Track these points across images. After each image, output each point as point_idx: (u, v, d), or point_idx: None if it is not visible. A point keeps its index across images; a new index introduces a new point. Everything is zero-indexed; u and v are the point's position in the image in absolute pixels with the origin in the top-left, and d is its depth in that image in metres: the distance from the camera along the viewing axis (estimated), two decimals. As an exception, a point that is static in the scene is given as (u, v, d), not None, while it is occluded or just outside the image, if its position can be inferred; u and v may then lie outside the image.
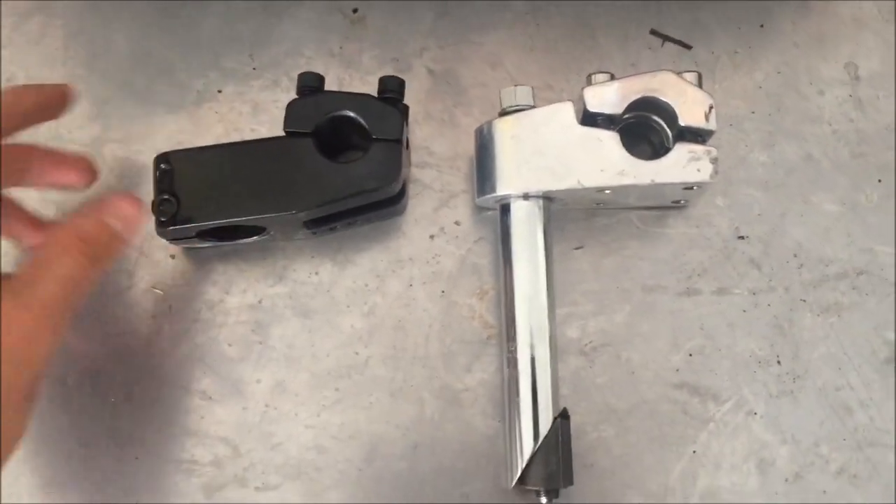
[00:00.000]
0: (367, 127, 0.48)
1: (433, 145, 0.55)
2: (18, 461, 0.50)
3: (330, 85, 0.53)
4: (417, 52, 0.56)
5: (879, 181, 0.54)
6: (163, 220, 0.47)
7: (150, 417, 0.51)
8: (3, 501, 0.50)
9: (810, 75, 0.56)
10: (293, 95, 0.50)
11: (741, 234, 0.53)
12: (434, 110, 0.55)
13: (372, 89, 0.51)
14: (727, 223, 0.54)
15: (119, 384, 0.51)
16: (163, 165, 0.48)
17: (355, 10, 0.57)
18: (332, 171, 0.47)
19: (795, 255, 0.53)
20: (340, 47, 0.56)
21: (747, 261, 0.53)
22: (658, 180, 0.47)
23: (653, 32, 0.56)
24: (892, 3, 0.57)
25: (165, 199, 0.47)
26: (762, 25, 0.57)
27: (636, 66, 0.56)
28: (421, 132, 0.55)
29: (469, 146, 0.53)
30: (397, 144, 0.48)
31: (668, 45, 0.56)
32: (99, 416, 0.51)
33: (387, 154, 0.47)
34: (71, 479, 0.50)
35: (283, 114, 0.49)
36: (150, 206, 0.47)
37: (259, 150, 0.48)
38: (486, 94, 0.55)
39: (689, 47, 0.56)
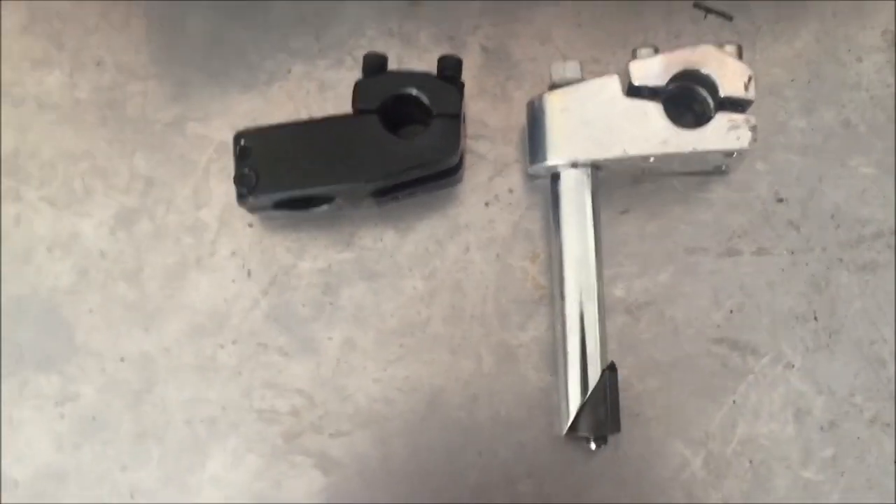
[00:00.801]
0: (427, 104, 0.52)
1: (487, 118, 0.58)
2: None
3: (390, 62, 0.57)
4: (471, 30, 0.59)
5: (915, 144, 0.56)
6: (243, 191, 0.52)
7: (235, 372, 0.56)
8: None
9: (848, 43, 0.58)
10: (357, 74, 0.54)
11: (780, 198, 0.56)
12: (488, 85, 0.59)
13: (429, 66, 0.55)
14: (767, 187, 0.56)
15: (207, 342, 0.56)
16: (242, 142, 0.53)
17: (413, -8, 0.60)
18: (396, 145, 0.51)
19: (832, 217, 0.56)
20: (399, 27, 0.60)
21: (786, 222, 0.56)
22: (699, 148, 0.50)
23: (696, 5, 0.59)
24: (931, -30, 0.59)
25: (245, 173, 0.52)
26: (802, -4, 0.59)
27: (679, 39, 0.58)
28: (475, 106, 0.58)
29: (521, 118, 0.56)
30: (456, 119, 0.51)
31: (711, 17, 0.59)
32: (188, 371, 0.56)
33: (446, 128, 0.51)
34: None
35: (347, 91, 0.53)
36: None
37: (329, 127, 0.53)
38: (536, 69, 0.59)
39: (730, 18, 0.59)
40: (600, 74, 0.56)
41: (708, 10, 0.59)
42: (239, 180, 0.52)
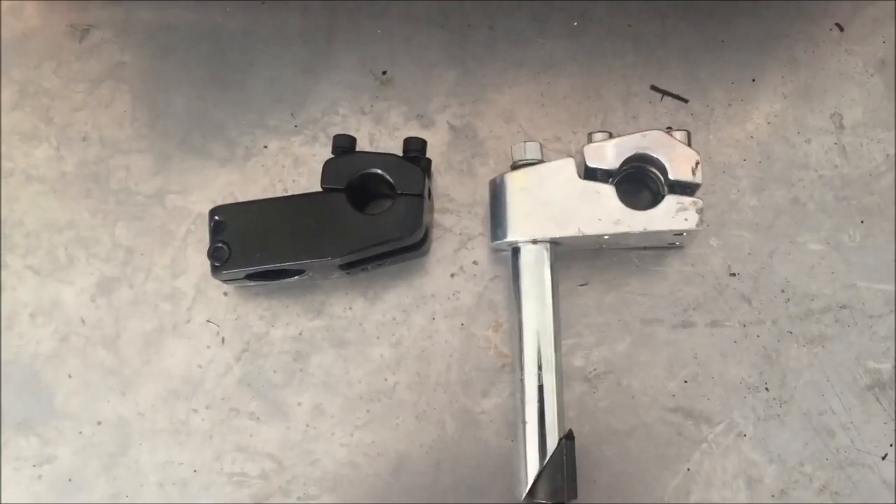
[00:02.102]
0: (392, 183, 0.54)
1: (454, 193, 0.61)
2: (94, 473, 0.57)
3: (361, 139, 0.60)
4: (440, 109, 0.62)
5: (862, 222, 0.59)
6: (217, 264, 0.55)
7: (207, 436, 0.58)
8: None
9: (798, 125, 0.61)
10: (330, 150, 0.57)
11: (733, 272, 0.59)
12: (454, 161, 0.61)
13: (399, 143, 0.58)
14: (720, 261, 0.59)
15: (181, 406, 0.58)
16: (216, 217, 0.55)
17: (384, 72, 0.63)
18: (362, 222, 0.54)
19: (783, 291, 0.58)
20: (371, 105, 0.63)
21: (738, 296, 0.58)
22: (650, 228, 0.53)
23: (653, 88, 0.62)
24: (875, 56, 0.62)
25: (218, 247, 0.55)
26: (754, 80, 0.62)
27: (637, 120, 0.61)
28: (443, 181, 0.61)
29: (486, 193, 0.59)
30: (419, 198, 0.54)
31: (667, 98, 0.62)
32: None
33: (410, 207, 0.54)
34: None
35: (320, 166, 0.56)
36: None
37: (299, 204, 0.55)
38: (500, 147, 0.61)
39: (685, 101, 0.62)
40: (561, 153, 0.60)
41: (664, 93, 0.62)
42: (212, 254, 0.54)
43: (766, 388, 0.57)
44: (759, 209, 0.60)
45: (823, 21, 0.63)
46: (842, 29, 0.63)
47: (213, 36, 0.64)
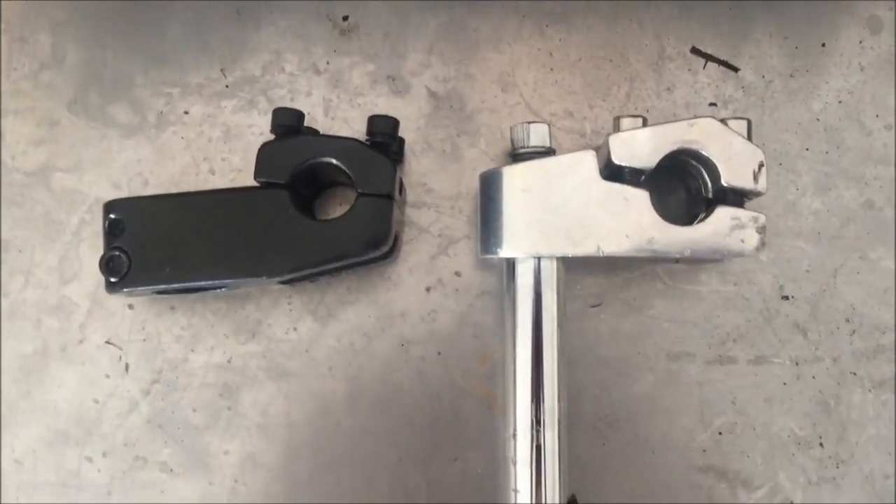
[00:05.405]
0: (352, 178, 0.40)
1: (432, 181, 0.47)
2: None
3: (313, 107, 0.47)
4: (417, 70, 0.48)
5: (951, 235, 0.47)
6: (112, 279, 0.41)
7: (104, 492, 0.45)
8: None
9: (878, 106, 0.48)
10: (270, 121, 0.43)
11: (785, 294, 0.48)
12: (434, 140, 0.48)
13: (363, 113, 0.45)
14: (770, 281, 0.48)
15: (71, 453, 0.45)
16: (112, 215, 0.42)
17: (346, 18, 0.48)
18: (309, 230, 0.40)
19: (847, 320, 0.47)
20: (328, 62, 0.48)
21: (791, 325, 0.47)
22: (694, 251, 0.40)
23: (693, 51, 0.48)
24: (980, 20, 0.48)
25: (115, 256, 0.41)
26: (824, 44, 0.48)
27: (672, 92, 0.48)
28: (419, 165, 0.47)
29: (473, 182, 0.47)
30: (387, 200, 0.40)
31: (711, 66, 0.48)
32: (47, 488, 0.46)
33: (375, 212, 0.40)
34: None
35: (259, 140, 0.42)
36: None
37: (225, 202, 0.41)
38: (495, 122, 0.48)
39: (735, 69, 0.48)
40: (574, 134, 0.46)
41: (708, 58, 0.48)
42: (106, 265, 0.41)
43: (821, 444, 0.47)
44: (822, 214, 0.48)
45: (914, -32, 0.50)
46: (937, -20, 0.49)
47: (119, -41, 0.49)
